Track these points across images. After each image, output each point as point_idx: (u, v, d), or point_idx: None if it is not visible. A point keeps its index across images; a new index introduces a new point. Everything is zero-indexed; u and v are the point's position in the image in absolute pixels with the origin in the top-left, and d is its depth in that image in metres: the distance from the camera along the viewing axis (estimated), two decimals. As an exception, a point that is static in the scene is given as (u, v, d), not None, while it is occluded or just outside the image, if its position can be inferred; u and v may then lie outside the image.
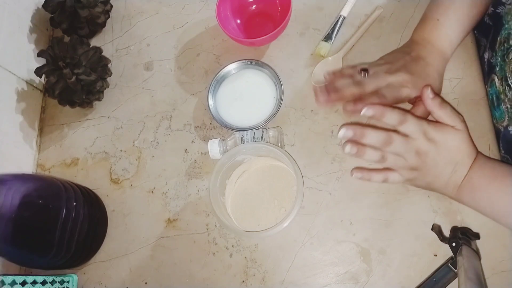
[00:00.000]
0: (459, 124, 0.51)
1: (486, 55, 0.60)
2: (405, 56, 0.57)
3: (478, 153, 0.52)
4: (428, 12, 0.59)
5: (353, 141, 0.53)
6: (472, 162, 0.51)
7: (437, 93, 0.52)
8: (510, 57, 0.51)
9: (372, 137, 0.52)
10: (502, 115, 0.55)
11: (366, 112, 0.52)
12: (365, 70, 0.57)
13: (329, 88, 0.56)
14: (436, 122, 0.52)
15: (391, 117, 0.51)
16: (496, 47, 0.55)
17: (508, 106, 0.53)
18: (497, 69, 0.55)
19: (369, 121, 0.60)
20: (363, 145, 0.52)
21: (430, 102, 0.51)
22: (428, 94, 0.51)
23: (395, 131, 0.51)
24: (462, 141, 0.51)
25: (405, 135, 0.51)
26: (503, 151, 0.57)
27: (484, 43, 0.63)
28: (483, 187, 0.50)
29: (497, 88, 0.55)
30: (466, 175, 0.51)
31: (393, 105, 0.54)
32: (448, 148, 0.50)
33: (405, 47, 0.59)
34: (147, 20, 0.78)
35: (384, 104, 0.52)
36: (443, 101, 0.51)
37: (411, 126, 0.50)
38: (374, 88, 0.55)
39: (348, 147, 0.52)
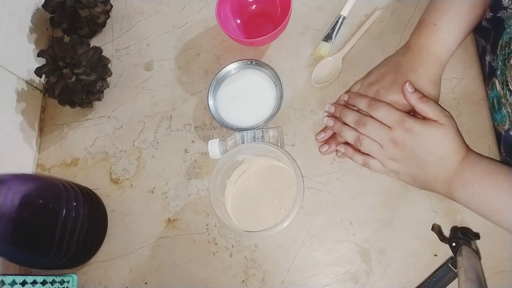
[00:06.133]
0: (443, 118, 0.51)
1: (487, 58, 0.60)
2: (397, 70, 0.57)
3: (469, 150, 0.53)
4: (426, 16, 0.59)
5: (334, 117, 0.61)
6: (460, 158, 0.51)
7: (417, 89, 0.54)
8: (511, 62, 0.50)
9: (347, 115, 0.58)
10: (503, 119, 0.55)
11: (343, 97, 0.61)
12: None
13: (330, 141, 0.62)
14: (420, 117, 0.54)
15: (361, 102, 0.57)
16: (498, 51, 0.55)
17: (509, 110, 0.52)
18: (498, 73, 0.55)
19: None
20: (343, 124, 0.59)
21: (409, 95, 0.53)
22: (407, 88, 0.54)
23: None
24: (445, 136, 0.51)
25: (381, 122, 0.54)
26: (504, 154, 0.57)
27: (482, 44, 0.62)
28: (475, 184, 0.50)
29: (498, 92, 0.55)
30: (456, 171, 0.51)
31: None
32: (429, 141, 0.51)
33: (399, 56, 0.59)
34: (147, 20, 0.78)
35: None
36: (425, 96, 0.53)
37: (381, 111, 0.54)
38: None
39: (326, 118, 0.61)
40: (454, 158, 0.51)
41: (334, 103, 0.63)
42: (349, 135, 0.57)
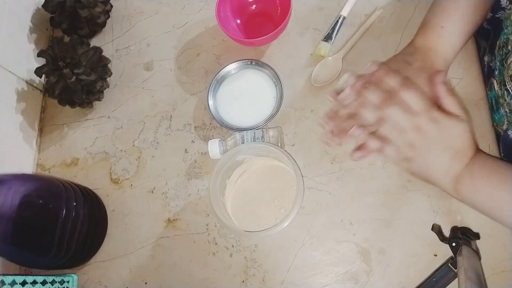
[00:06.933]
0: (464, 116, 0.51)
1: (486, 58, 0.60)
2: (408, 67, 0.56)
3: (479, 148, 0.53)
4: (431, 17, 0.58)
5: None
6: (472, 154, 0.51)
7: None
8: (509, 62, 0.51)
9: (374, 90, 0.51)
10: (502, 119, 0.55)
11: (370, 67, 0.52)
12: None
13: (335, 132, 0.54)
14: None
15: (393, 80, 0.50)
16: (495, 52, 0.55)
17: (507, 110, 0.53)
18: (496, 73, 0.55)
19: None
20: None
21: (440, 86, 0.51)
22: (438, 78, 0.51)
23: None
24: (465, 131, 0.50)
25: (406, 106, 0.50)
26: (502, 154, 0.58)
27: (484, 45, 0.63)
28: (483, 178, 0.50)
29: (496, 92, 0.55)
30: (466, 166, 0.50)
31: None
32: (450, 133, 0.50)
33: (407, 55, 0.58)
34: (147, 20, 0.78)
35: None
36: (452, 91, 0.51)
37: (414, 93, 0.49)
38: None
39: (348, 90, 0.52)
40: (468, 153, 0.51)
41: (350, 75, 0.53)
42: (370, 114, 0.51)
